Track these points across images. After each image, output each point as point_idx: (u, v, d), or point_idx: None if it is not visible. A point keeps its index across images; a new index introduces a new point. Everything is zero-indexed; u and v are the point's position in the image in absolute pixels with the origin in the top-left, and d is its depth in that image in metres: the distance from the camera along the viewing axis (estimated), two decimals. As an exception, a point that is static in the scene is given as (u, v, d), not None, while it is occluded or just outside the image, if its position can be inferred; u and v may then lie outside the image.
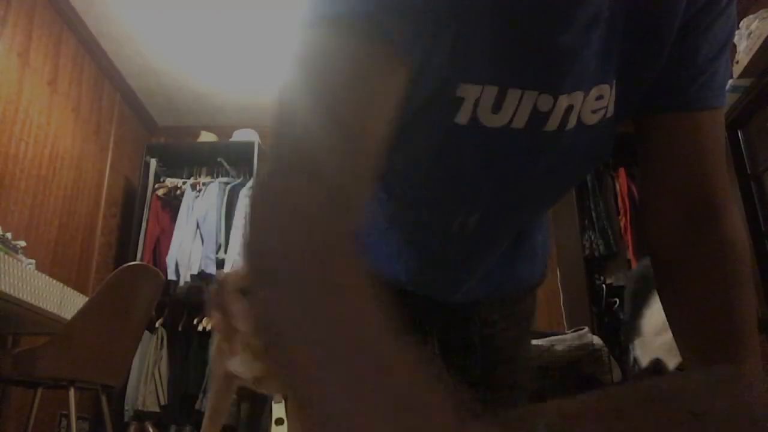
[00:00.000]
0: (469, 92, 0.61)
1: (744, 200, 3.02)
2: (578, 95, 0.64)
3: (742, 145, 3.12)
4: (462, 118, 0.62)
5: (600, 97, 0.65)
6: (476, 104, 0.62)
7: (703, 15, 0.62)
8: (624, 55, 0.63)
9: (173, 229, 3.74)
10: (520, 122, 0.63)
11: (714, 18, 0.62)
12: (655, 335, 1.48)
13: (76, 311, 2.16)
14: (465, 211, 0.75)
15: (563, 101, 0.64)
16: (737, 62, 2.81)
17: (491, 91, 0.61)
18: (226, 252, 3.71)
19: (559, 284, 3.90)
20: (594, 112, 0.66)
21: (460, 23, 0.56)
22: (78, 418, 2.49)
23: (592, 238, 3.52)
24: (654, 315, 1.50)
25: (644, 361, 1.46)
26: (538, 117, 0.64)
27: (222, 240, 3.75)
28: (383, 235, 0.82)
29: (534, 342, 1.90)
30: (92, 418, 3.43)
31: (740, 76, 2.80)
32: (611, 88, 0.65)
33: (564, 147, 0.68)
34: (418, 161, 0.70)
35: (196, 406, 3.51)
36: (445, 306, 0.89)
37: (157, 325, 3.66)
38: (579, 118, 0.66)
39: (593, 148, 0.71)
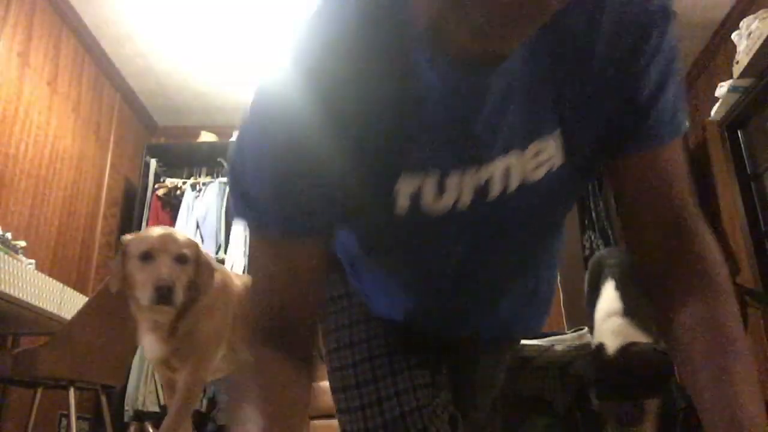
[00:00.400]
0: (407, 183, 0.67)
1: (744, 200, 3.02)
2: (512, 156, 0.67)
3: (742, 145, 3.13)
4: (401, 209, 0.68)
5: (539, 153, 0.67)
6: (418, 193, 0.67)
7: (633, 60, 0.62)
8: (561, 106, 0.64)
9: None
10: (464, 203, 0.68)
11: (647, 59, 0.62)
12: (602, 321, 1.52)
13: (76, 311, 2.16)
14: (442, 268, 0.79)
15: (498, 166, 0.67)
16: (737, 62, 2.81)
17: (432, 180, 0.67)
18: (225, 252, 3.71)
19: (559, 284, 3.91)
20: (537, 167, 0.68)
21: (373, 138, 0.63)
22: (78, 418, 2.49)
23: (592, 238, 3.52)
24: (602, 303, 1.54)
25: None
26: (479, 197, 0.68)
27: (222, 240, 3.76)
28: (381, 285, 0.89)
29: (534, 342, 1.90)
30: (92, 418, 3.43)
31: (740, 76, 2.80)
32: (554, 140, 0.67)
33: (516, 209, 0.70)
34: (377, 246, 0.80)
35: (196, 406, 3.50)
36: (453, 342, 0.93)
37: (157, 325, 3.66)
38: (522, 178, 0.68)
39: (553, 199, 0.73)
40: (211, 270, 1.92)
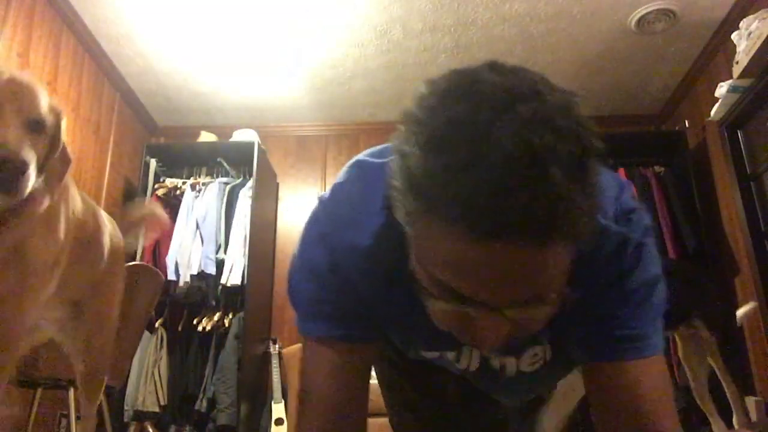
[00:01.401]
0: (428, 354, 0.91)
1: (744, 200, 3.02)
2: (509, 358, 0.90)
3: (742, 145, 3.13)
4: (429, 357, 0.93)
5: (535, 355, 0.89)
6: (441, 356, 0.92)
7: (596, 297, 0.74)
8: (552, 323, 0.76)
9: (173, 229, 3.74)
10: (474, 365, 0.92)
11: (616, 288, 0.74)
12: None
13: (75, 311, 2.15)
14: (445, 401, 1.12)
15: (495, 361, 0.90)
16: (737, 62, 2.82)
17: (450, 354, 0.91)
18: (225, 252, 3.71)
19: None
20: (531, 364, 0.90)
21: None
22: (78, 418, 2.49)
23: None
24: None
25: None
26: (486, 363, 0.92)
27: (222, 240, 3.75)
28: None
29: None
30: (92, 418, 3.43)
31: (740, 77, 2.80)
32: (545, 347, 0.88)
33: (513, 380, 0.93)
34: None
35: (196, 407, 3.50)
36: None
37: (156, 325, 3.66)
38: (518, 368, 0.90)
39: (546, 379, 0.98)
40: (68, 160, 1.31)
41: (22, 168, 1.07)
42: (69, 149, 1.34)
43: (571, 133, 0.52)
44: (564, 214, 0.50)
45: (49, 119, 1.21)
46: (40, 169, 1.18)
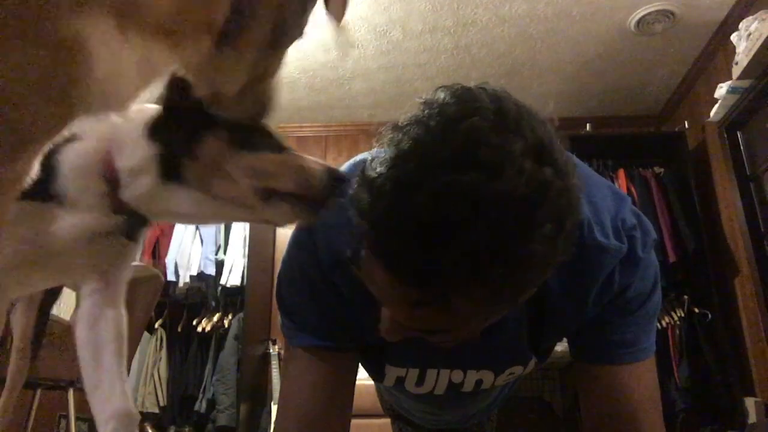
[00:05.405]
0: (394, 371, 0.88)
1: (743, 201, 3.02)
2: (488, 374, 0.87)
3: (742, 146, 3.13)
4: (388, 382, 0.91)
5: (511, 373, 0.89)
6: (402, 378, 0.89)
7: (594, 308, 0.75)
8: (537, 340, 0.80)
9: (172, 230, 3.74)
10: (441, 389, 0.90)
11: (608, 306, 0.76)
12: None
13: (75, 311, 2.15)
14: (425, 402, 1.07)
15: (471, 375, 0.87)
16: (736, 63, 2.82)
17: (414, 372, 0.88)
18: (225, 253, 3.71)
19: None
20: (506, 380, 0.91)
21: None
22: (77, 419, 2.49)
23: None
24: None
25: None
26: (454, 386, 0.89)
27: (221, 241, 3.75)
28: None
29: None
30: (91, 419, 3.41)
31: (739, 78, 2.80)
32: (524, 366, 0.88)
33: (486, 392, 0.94)
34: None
35: (196, 407, 3.50)
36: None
37: (156, 326, 3.66)
38: (493, 384, 0.90)
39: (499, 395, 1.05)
40: None
41: None
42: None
43: (497, 206, 0.53)
44: (465, 282, 0.55)
45: None
46: None
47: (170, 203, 0.78)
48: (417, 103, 0.60)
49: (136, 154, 0.78)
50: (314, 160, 0.75)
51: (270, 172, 0.72)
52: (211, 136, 0.74)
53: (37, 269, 0.85)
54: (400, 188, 0.55)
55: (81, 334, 0.95)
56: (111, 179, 0.79)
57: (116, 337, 0.96)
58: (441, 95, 0.59)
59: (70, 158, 0.78)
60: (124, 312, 0.99)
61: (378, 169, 0.58)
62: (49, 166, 0.77)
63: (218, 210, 0.77)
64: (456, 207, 0.52)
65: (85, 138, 0.80)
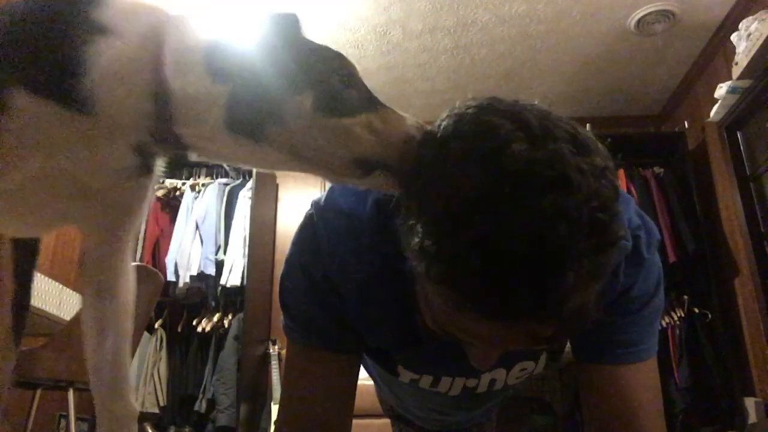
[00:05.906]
0: (407, 374, 0.89)
1: (743, 201, 3.02)
2: (500, 372, 0.88)
3: (741, 146, 3.13)
4: (402, 380, 0.91)
5: (523, 369, 0.88)
6: (417, 379, 0.89)
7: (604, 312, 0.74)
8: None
9: (172, 230, 3.74)
10: (455, 392, 0.91)
11: (611, 306, 0.75)
12: None
13: (75, 312, 2.15)
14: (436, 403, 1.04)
15: (485, 378, 0.88)
16: (736, 63, 2.82)
17: (427, 378, 0.89)
18: (225, 253, 3.71)
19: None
20: (519, 376, 0.90)
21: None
22: (77, 419, 2.49)
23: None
24: None
25: None
26: (467, 389, 0.91)
27: (221, 241, 3.75)
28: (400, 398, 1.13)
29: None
30: (91, 419, 3.42)
31: (739, 78, 2.81)
32: (536, 361, 0.88)
33: (499, 391, 0.94)
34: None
35: (196, 407, 3.50)
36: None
37: (156, 326, 3.66)
38: (506, 382, 0.91)
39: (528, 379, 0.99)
40: None
41: None
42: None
43: (591, 225, 0.50)
44: (570, 309, 0.52)
45: None
46: None
47: (237, 152, 0.66)
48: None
49: (200, 83, 0.65)
50: (409, 123, 0.63)
51: (362, 140, 0.61)
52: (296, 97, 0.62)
53: (45, 195, 0.64)
54: (487, 207, 0.50)
55: (86, 313, 0.83)
56: (161, 97, 0.63)
57: (122, 313, 0.86)
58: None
59: (105, 58, 0.60)
60: (132, 279, 0.88)
61: (434, 186, 0.53)
62: (72, 59, 0.57)
63: (294, 165, 0.65)
64: (559, 229, 0.48)
65: (123, 33, 0.63)
